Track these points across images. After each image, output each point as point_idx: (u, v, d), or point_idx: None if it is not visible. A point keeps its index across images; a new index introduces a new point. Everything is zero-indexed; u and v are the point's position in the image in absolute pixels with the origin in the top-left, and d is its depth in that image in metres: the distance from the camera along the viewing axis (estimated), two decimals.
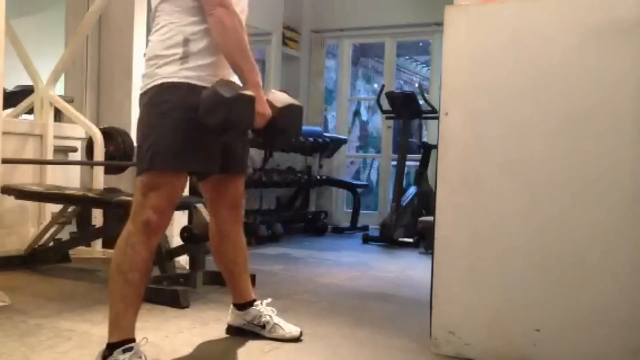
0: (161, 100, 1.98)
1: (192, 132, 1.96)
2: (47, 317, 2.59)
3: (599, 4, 2.06)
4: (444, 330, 2.25)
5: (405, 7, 6.58)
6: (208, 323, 2.60)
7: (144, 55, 2.09)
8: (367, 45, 8.03)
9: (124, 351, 1.90)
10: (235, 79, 2.04)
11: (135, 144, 2.79)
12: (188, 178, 2.21)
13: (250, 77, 1.98)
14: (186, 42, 1.98)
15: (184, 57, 1.98)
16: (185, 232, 3.11)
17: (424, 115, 5.76)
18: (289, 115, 2.10)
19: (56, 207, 3.81)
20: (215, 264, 2.44)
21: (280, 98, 2.11)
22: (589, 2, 2.08)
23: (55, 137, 4.13)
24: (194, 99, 1.93)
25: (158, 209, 1.95)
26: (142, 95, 2.04)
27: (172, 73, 1.97)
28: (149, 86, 2.01)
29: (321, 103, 7.30)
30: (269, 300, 2.44)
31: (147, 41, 2.12)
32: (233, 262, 2.35)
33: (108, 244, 3.85)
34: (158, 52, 2.01)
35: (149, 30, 4.50)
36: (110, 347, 1.92)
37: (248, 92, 1.95)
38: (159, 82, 1.98)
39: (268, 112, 2.01)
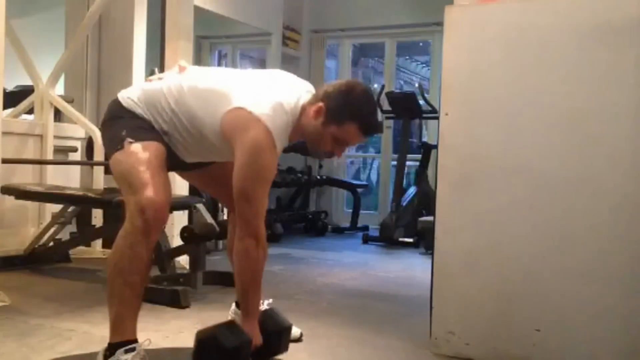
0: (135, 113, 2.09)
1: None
2: (47, 317, 2.60)
3: (599, 4, 2.07)
4: (444, 330, 2.25)
5: (405, 7, 6.58)
6: (208, 323, 2.57)
7: (146, 79, 2.14)
8: (367, 45, 8.01)
9: (126, 351, 1.89)
10: (207, 130, 2.06)
11: None
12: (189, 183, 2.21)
13: (253, 309, 2.06)
14: (164, 133, 2.08)
15: (163, 132, 2.09)
16: (185, 232, 3.11)
17: (424, 115, 5.75)
18: (276, 341, 2.13)
19: (56, 207, 3.82)
20: (228, 258, 2.42)
21: (276, 322, 2.14)
22: (589, 2, 2.08)
23: (55, 137, 4.13)
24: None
25: (152, 204, 1.90)
26: (118, 108, 2.10)
27: (149, 117, 2.08)
28: (127, 106, 2.09)
29: None
30: (270, 300, 2.44)
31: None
32: None
33: (108, 244, 3.85)
34: (147, 106, 2.08)
35: (149, 31, 4.56)
36: (112, 347, 1.91)
37: (247, 338, 1.97)
38: (136, 112, 2.08)
39: (259, 343, 2.04)
